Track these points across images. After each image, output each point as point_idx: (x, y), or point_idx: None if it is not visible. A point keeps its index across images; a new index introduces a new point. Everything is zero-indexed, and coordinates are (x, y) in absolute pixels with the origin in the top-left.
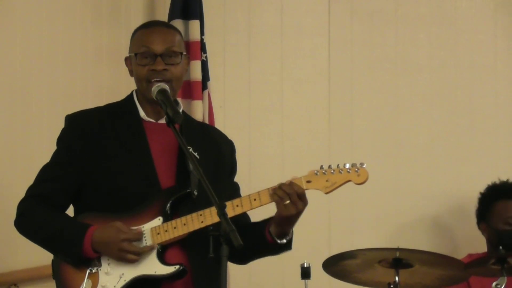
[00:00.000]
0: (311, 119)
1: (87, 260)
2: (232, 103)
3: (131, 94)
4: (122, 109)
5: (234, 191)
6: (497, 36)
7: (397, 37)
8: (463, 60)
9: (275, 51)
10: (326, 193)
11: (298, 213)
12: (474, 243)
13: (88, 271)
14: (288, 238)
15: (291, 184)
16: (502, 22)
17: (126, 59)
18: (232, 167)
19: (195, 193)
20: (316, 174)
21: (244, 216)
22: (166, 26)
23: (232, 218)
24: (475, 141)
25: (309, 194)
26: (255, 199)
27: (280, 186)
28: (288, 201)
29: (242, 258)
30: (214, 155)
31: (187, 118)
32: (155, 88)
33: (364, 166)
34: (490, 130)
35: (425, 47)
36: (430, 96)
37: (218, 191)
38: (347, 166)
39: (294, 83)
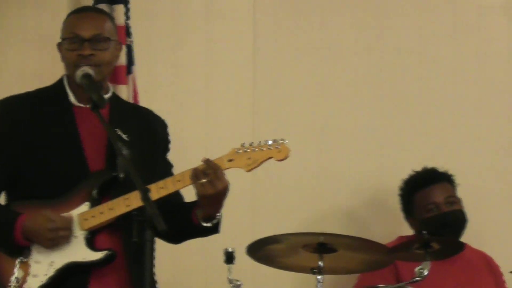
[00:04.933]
0: (236, 104)
1: (20, 249)
2: (157, 88)
3: (61, 79)
4: (52, 95)
5: (167, 169)
6: (422, 20)
7: (322, 22)
8: (389, 44)
9: (200, 36)
10: (248, 170)
11: (218, 193)
12: (399, 227)
13: (18, 260)
14: (214, 221)
15: (208, 162)
16: (428, 6)
17: (59, 44)
18: (165, 146)
19: (121, 176)
20: (238, 152)
21: (176, 195)
22: (96, 11)
23: (164, 197)
24: (402, 127)
25: (233, 178)
26: (178, 180)
27: (199, 166)
28: (204, 180)
29: (173, 238)
30: (147, 134)
31: (119, 101)
32: (79, 72)
33: (285, 142)
34: (416, 118)
35: (351, 32)
36: (356, 81)
37: (152, 170)
38: (269, 142)
39: (220, 68)
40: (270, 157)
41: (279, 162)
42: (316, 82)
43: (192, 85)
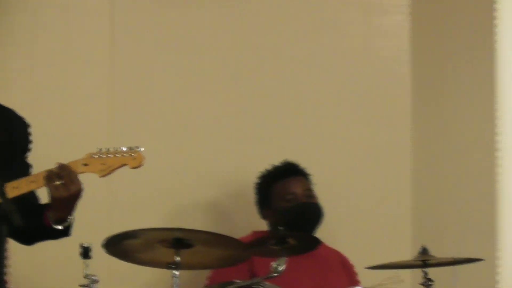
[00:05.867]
0: (93, 102)
1: None
2: (14, 85)
3: None
4: None
5: (24, 170)
6: (280, 16)
7: (183, 17)
8: (248, 41)
9: (59, 32)
10: (101, 176)
11: (72, 196)
12: (256, 224)
13: None
14: (65, 224)
15: (63, 165)
16: (285, 3)
17: None
18: (24, 146)
19: None
20: (93, 157)
21: (31, 196)
22: None
23: (19, 197)
24: (261, 124)
25: (91, 174)
26: (32, 181)
27: (54, 168)
28: (58, 182)
29: (25, 239)
30: (5, 134)
31: None
32: None
33: (140, 149)
34: (275, 114)
35: (211, 28)
36: (217, 77)
37: (7, 169)
38: (123, 149)
39: (76, 64)
40: (124, 164)
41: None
42: (177, 78)
43: (48, 82)
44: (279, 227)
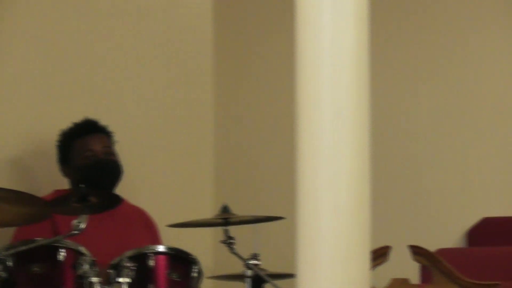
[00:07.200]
0: None
1: None
2: None
3: None
4: None
5: None
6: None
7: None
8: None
9: None
10: None
11: None
12: (60, 182)
13: None
14: None
15: None
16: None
17: None
18: None
19: None
20: None
21: None
22: None
23: None
24: (63, 80)
25: None
26: None
27: None
28: None
29: None
30: None
31: None
32: None
33: None
34: (78, 71)
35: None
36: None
37: None
38: None
39: None
40: None
41: None
42: None
43: None
44: (80, 185)
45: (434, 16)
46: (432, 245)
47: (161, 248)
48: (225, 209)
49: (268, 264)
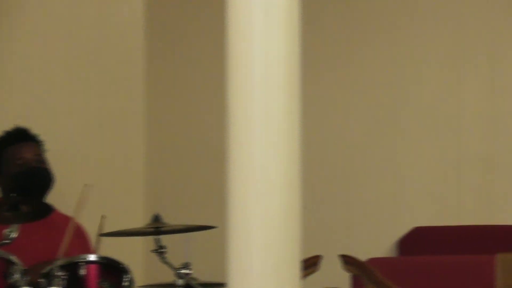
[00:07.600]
0: None
1: None
2: None
3: None
4: None
5: None
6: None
7: None
8: None
9: None
10: None
11: None
12: None
13: None
14: None
15: None
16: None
17: None
18: None
19: None
20: None
21: None
22: None
23: None
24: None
25: None
26: None
27: None
28: None
29: None
30: None
31: None
32: None
33: None
34: (12, 79)
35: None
36: None
37: None
38: None
39: None
40: None
41: None
42: None
43: None
44: (11, 194)
45: (366, 23)
46: (363, 255)
47: (92, 257)
48: (156, 218)
49: (200, 273)
